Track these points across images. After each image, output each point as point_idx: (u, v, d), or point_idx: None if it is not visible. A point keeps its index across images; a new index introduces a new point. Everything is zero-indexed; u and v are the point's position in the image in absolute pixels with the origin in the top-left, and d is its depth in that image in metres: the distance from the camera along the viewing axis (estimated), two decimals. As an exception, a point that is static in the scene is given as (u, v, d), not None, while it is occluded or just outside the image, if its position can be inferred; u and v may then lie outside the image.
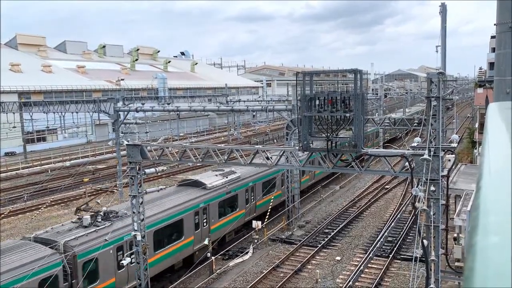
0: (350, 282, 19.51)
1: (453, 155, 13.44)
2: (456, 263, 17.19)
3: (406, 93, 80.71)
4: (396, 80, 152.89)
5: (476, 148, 34.73)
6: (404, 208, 30.56)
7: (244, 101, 55.79)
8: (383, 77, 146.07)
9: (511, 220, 1.05)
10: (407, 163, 12.78)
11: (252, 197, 26.69)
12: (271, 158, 15.45)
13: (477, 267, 0.93)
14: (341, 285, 19.88)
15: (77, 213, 18.20)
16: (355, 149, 12.98)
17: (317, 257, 23.22)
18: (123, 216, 18.32)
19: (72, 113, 40.56)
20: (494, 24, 12.65)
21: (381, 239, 24.67)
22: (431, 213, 12.75)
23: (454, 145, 13.61)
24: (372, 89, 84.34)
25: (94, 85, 69.28)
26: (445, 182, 13.88)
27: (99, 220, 17.50)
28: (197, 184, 23.38)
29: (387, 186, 37.39)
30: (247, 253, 23.53)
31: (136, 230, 16.76)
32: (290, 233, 26.78)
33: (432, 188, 12.48)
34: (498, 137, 2.22)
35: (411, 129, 25.21)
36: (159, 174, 34.51)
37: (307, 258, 22.66)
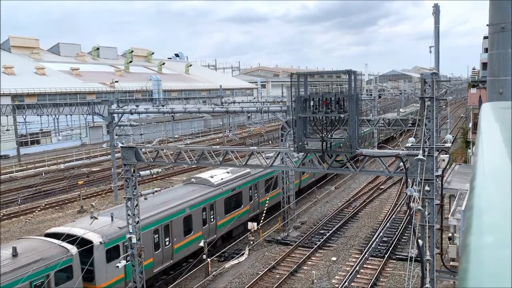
0: (346, 283, 19.53)
1: (447, 155, 13.50)
2: (451, 263, 17.28)
3: (400, 93, 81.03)
4: (390, 80, 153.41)
5: (470, 148, 34.92)
6: (399, 208, 30.66)
7: (239, 103, 55.76)
8: (377, 77, 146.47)
9: (506, 220, 1.05)
10: (401, 163, 12.82)
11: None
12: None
13: (472, 268, 0.93)
14: (337, 285, 19.90)
15: None
16: (350, 149, 13.01)
17: (313, 258, 23.24)
18: None
19: (66, 115, 40.37)
20: (487, 25, 12.73)
21: (377, 239, 24.72)
22: (426, 213, 12.80)
23: (448, 145, 13.68)
24: (366, 90, 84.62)
25: (88, 87, 69.01)
26: (440, 182, 13.94)
27: None
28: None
29: (382, 187, 37.51)
30: (242, 254, 23.52)
31: (131, 232, 16.69)
32: (286, 234, 26.79)
33: (427, 188, 12.53)
34: (492, 137, 2.23)
35: (406, 130, 25.28)
36: (154, 176, 34.39)
37: (303, 259, 22.67)
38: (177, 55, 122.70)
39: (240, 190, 25.99)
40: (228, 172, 26.08)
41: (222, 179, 25.09)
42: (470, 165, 26.98)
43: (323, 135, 13.13)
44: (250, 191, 27.03)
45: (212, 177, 24.92)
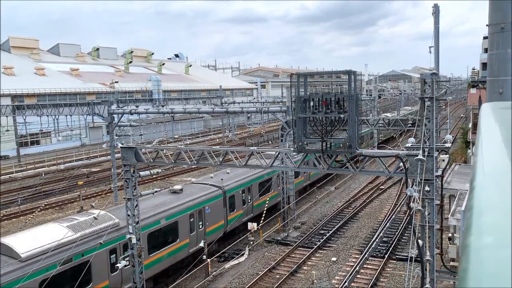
0: (346, 283, 19.52)
1: (447, 155, 13.49)
2: (451, 263, 17.28)
3: (400, 93, 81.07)
4: (390, 81, 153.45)
5: (469, 148, 34.92)
6: (399, 208, 30.66)
7: (239, 103, 55.79)
8: (377, 78, 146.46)
9: (506, 220, 1.05)
10: (401, 164, 12.81)
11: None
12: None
13: (471, 268, 0.93)
14: (337, 286, 19.89)
15: None
16: (349, 150, 13.00)
17: (313, 258, 23.23)
18: None
19: (66, 116, 40.36)
20: (487, 25, 12.73)
21: (377, 240, 24.72)
22: (426, 213, 12.79)
23: (448, 145, 13.67)
24: (366, 90, 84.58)
25: (88, 88, 69.01)
26: (440, 182, 13.94)
27: None
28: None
29: (382, 187, 37.50)
30: (242, 255, 23.51)
31: (131, 233, 16.68)
32: (286, 234, 26.78)
33: (427, 188, 12.52)
34: (492, 137, 2.23)
35: (405, 130, 25.30)
36: (154, 176, 34.40)
37: (303, 260, 22.66)
38: (177, 56, 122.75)
39: (86, 259, 15.50)
40: (68, 227, 15.87)
41: (44, 244, 14.55)
42: (470, 165, 26.99)
43: (323, 135, 13.12)
44: (114, 255, 16.82)
45: (21, 241, 14.43)
